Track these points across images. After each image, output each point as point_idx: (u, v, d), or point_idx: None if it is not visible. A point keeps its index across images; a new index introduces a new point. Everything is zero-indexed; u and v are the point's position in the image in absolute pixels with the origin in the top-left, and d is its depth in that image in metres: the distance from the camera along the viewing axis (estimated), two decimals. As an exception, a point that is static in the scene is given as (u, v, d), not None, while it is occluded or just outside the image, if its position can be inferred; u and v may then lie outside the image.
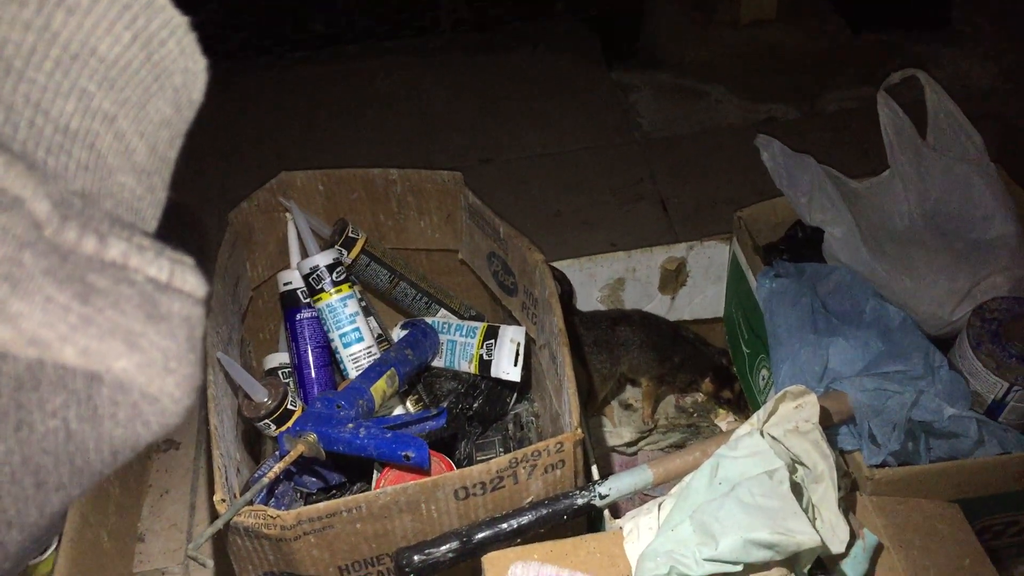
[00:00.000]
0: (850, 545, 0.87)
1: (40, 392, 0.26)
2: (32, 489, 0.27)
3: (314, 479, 1.09)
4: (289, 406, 1.11)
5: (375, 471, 1.07)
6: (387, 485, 0.98)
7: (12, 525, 0.27)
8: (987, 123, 1.29)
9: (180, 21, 0.28)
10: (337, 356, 1.22)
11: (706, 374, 1.36)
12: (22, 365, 0.25)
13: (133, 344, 0.26)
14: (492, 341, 1.23)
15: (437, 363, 1.28)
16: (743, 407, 1.34)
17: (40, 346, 0.25)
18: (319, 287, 1.20)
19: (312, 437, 1.00)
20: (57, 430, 0.26)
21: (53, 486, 0.27)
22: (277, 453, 1.05)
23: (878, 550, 0.92)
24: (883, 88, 1.24)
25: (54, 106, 0.26)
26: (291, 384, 1.23)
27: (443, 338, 1.28)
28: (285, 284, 1.25)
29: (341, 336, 1.21)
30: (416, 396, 1.26)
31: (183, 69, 0.29)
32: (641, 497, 1.12)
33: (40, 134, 0.26)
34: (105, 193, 0.28)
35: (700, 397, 1.40)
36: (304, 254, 1.24)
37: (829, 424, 0.99)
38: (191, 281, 0.28)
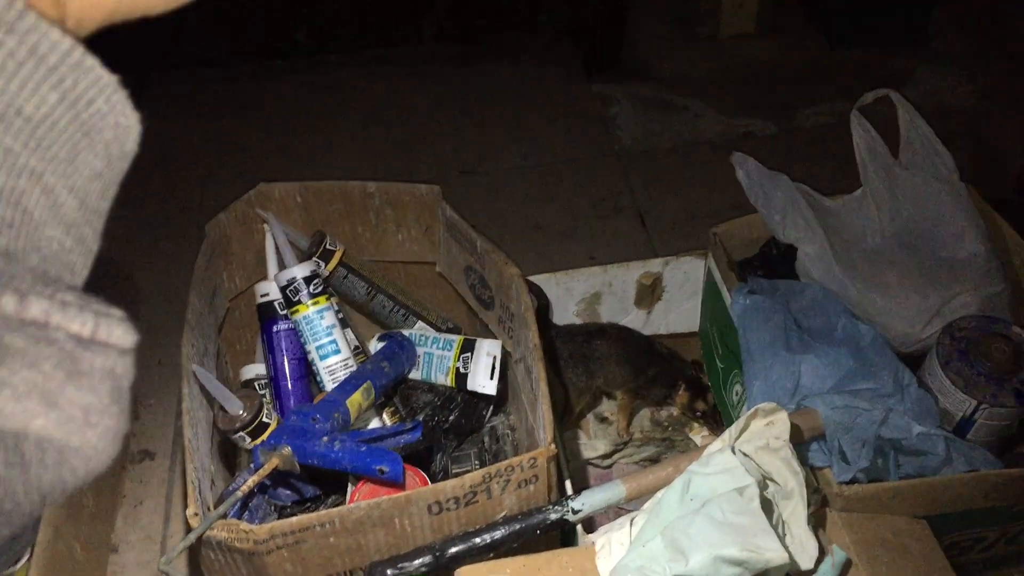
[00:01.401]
0: (819, 561, 0.88)
1: None
2: None
3: (288, 492, 1.09)
4: (264, 419, 1.11)
5: (349, 485, 1.07)
6: (361, 499, 0.98)
7: None
8: (961, 141, 1.31)
9: (109, 80, 0.28)
10: (314, 368, 1.22)
11: (679, 386, 1.37)
12: None
13: (51, 403, 0.26)
14: (469, 354, 1.23)
15: (414, 375, 1.28)
16: (718, 420, 1.35)
17: None
18: (296, 299, 1.21)
19: (287, 450, 1.00)
20: None
21: None
22: (251, 466, 1.05)
23: (847, 566, 0.93)
24: (856, 108, 1.26)
25: None
26: (267, 396, 1.23)
27: (420, 351, 1.28)
28: (262, 295, 1.26)
29: (318, 348, 1.21)
30: (393, 408, 1.26)
31: (113, 124, 0.29)
32: (615, 511, 1.13)
33: None
34: (31, 248, 0.28)
35: (675, 411, 1.41)
36: (282, 266, 1.24)
37: (800, 441, 1.00)
38: (116, 333, 0.28)
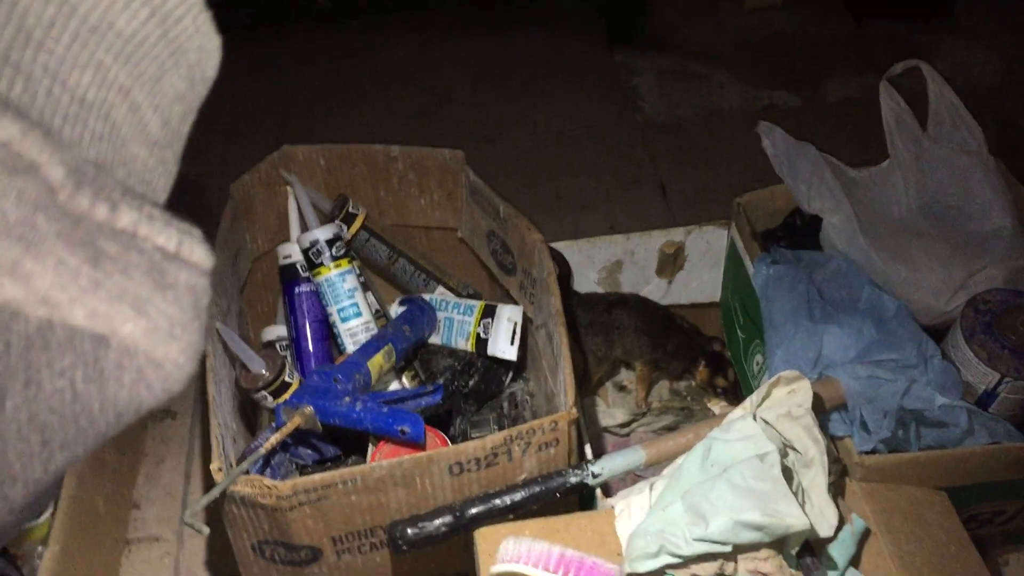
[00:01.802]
0: (838, 529, 0.88)
1: (49, 352, 0.26)
2: (38, 447, 0.27)
3: (309, 451, 1.10)
4: (286, 378, 1.12)
5: (370, 445, 1.08)
6: (382, 459, 0.99)
7: (17, 481, 0.28)
8: (988, 116, 1.29)
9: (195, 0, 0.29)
10: (335, 330, 1.23)
11: (699, 362, 1.36)
12: (32, 325, 0.26)
13: (140, 309, 0.27)
14: (489, 320, 1.24)
15: (434, 340, 1.29)
16: (738, 396, 1.35)
17: (51, 306, 0.26)
18: (318, 261, 1.21)
19: (309, 410, 1.01)
20: (64, 390, 0.27)
21: (58, 445, 0.28)
22: (273, 424, 1.05)
23: (865, 535, 0.94)
24: (886, 78, 1.24)
25: (71, 77, 0.27)
26: (288, 357, 1.24)
27: (440, 315, 1.28)
28: (284, 257, 1.26)
29: (339, 311, 1.21)
30: (412, 372, 1.27)
31: (198, 46, 0.30)
32: (633, 478, 1.13)
33: (57, 103, 0.27)
34: (118, 163, 0.29)
35: (695, 383, 1.41)
36: (304, 228, 1.25)
37: (821, 410, 1.00)
38: (198, 252, 0.29)
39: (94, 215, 0.26)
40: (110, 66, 0.28)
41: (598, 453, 1.02)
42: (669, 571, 0.83)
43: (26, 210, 0.25)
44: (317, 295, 1.24)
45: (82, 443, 0.28)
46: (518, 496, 0.94)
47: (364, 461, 1.08)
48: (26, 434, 0.27)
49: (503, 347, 1.22)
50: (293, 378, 1.14)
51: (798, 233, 1.26)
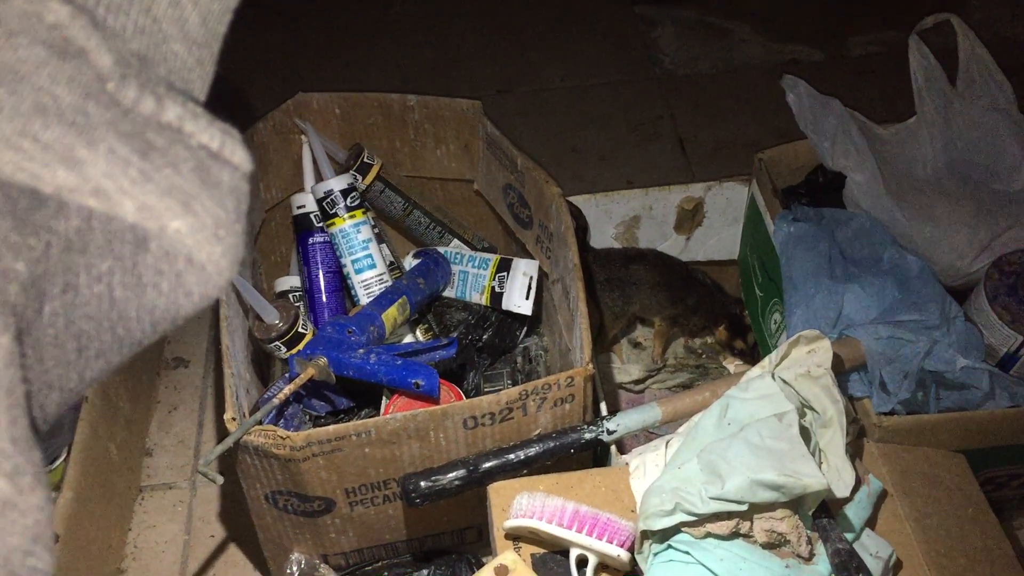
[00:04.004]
0: (855, 490, 0.87)
1: (88, 256, 0.26)
2: (74, 354, 0.27)
3: (322, 403, 1.09)
4: (300, 329, 1.11)
5: (384, 398, 1.07)
6: (396, 412, 0.98)
7: (52, 388, 0.28)
8: (1019, 73, 1.26)
9: None
10: (349, 282, 1.22)
11: (720, 322, 1.35)
12: (73, 225, 0.25)
13: (187, 206, 0.27)
14: (504, 274, 1.22)
15: (448, 293, 1.28)
16: (756, 357, 1.33)
17: (102, 197, 0.25)
18: (333, 212, 1.20)
19: (323, 361, 1.00)
20: (101, 296, 0.27)
21: (94, 353, 0.28)
22: (287, 375, 1.05)
23: (882, 496, 0.93)
24: (915, 32, 1.21)
25: None
26: (301, 308, 1.23)
27: (455, 269, 1.27)
28: (299, 207, 1.25)
29: (353, 262, 1.20)
30: (426, 325, 1.26)
31: None
32: (647, 436, 1.13)
33: None
34: (159, 59, 0.28)
35: (710, 339, 1.40)
36: (319, 178, 1.23)
37: (841, 370, 0.98)
38: (239, 154, 0.28)
39: (141, 108, 0.26)
40: None
41: (612, 409, 1.01)
42: (684, 529, 0.83)
43: (77, 96, 0.25)
44: (331, 246, 1.23)
45: (118, 352, 0.28)
46: (532, 451, 0.94)
47: (377, 414, 1.07)
48: (63, 341, 0.27)
49: (518, 301, 1.21)
50: (307, 329, 1.13)
51: (820, 190, 1.24)
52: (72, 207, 0.25)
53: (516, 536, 0.89)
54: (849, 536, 0.86)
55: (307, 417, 1.09)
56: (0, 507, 0.25)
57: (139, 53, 0.27)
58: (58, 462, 1.17)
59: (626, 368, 1.36)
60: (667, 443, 0.93)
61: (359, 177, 1.25)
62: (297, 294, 1.27)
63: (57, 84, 0.24)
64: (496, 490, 0.92)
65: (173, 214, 0.26)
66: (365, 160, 1.26)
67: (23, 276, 0.25)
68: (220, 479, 0.90)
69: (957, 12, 1.23)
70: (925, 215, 1.14)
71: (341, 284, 1.25)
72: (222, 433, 0.91)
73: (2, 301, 0.24)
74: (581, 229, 1.34)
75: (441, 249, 1.30)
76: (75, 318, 0.27)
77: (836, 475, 0.87)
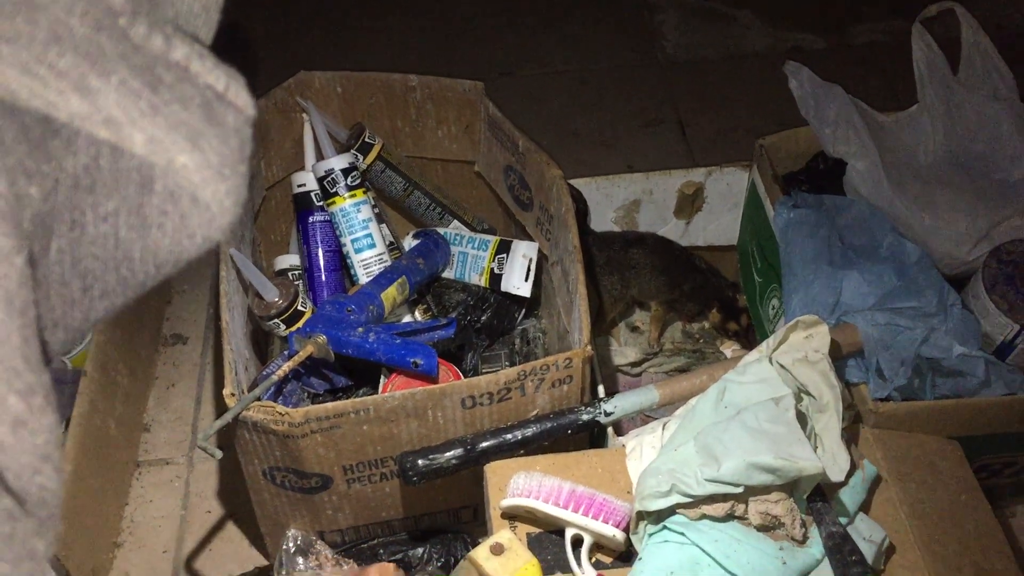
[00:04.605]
0: (850, 475, 0.88)
1: (95, 195, 0.27)
2: (79, 293, 0.28)
3: (321, 381, 1.10)
4: (300, 307, 1.11)
5: (382, 376, 1.08)
6: (394, 390, 0.99)
7: (58, 326, 0.28)
8: (1019, 65, 1.26)
9: None
10: (348, 261, 1.22)
11: (713, 305, 1.35)
12: (81, 163, 0.26)
13: (195, 142, 0.27)
14: (504, 255, 1.22)
15: (447, 274, 1.28)
16: (750, 340, 1.34)
17: (113, 127, 0.26)
18: (333, 191, 1.20)
19: (322, 339, 1.00)
20: (107, 236, 0.27)
21: (98, 293, 0.28)
22: (286, 352, 1.05)
23: (876, 481, 0.93)
24: (919, 20, 1.21)
25: None
26: (301, 286, 1.23)
27: (455, 250, 1.27)
28: (299, 186, 1.25)
29: (353, 241, 1.20)
30: (425, 306, 1.26)
31: None
32: (643, 418, 1.13)
33: None
34: (167, 1, 0.29)
35: (707, 324, 1.40)
36: (319, 156, 1.23)
37: (838, 356, 0.99)
38: (243, 97, 0.29)
39: (151, 45, 0.27)
40: None
41: (610, 392, 1.01)
42: (679, 510, 0.83)
43: (91, 29, 0.25)
44: (331, 225, 1.23)
45: (122, 293, 0.29)
46: (529, 432, 0.94)
47: (376, 393, 1.08)
48: (69, 279, 0.28)
49: (517, 283, 1.21)
50: (306, 307, 1.13)
51: (821, 177, 1.24)
52: (82, 140, 0.26)
53: (512, 515, 0.90)
54: (843, 520, 0.86)
55: (305, 395, 1.10)
56: (12, 424, 0.26)
57: None
58: (56, 436, 1.17)
59: (623, 351, 1.37)
60: (664, 425, 0.94)
61: (360, 157, 1.25)
62: (296, 272, 1.27)
63: (72, 15, 0.25)
64: (493, 469, 0.93)
65: (180, 149, 0.27)
66: (366, 140, 1.26)
67: (36, 203, 0.26)
68: (219, 453, 0.90)
69: (961, 1, 1.23)
70: (925, 203, 1.14)
71: (341, 263, 1.25)
72: (220, 410, 0.92)
73: (16, 225, 0.25)
74: (581, 212, 1.34)
75: (441, 230, 1.30)
76: (81, 257, 0.27)
77: (831, 459, 0.87)
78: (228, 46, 0.33)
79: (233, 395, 0.91)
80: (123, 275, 0.28)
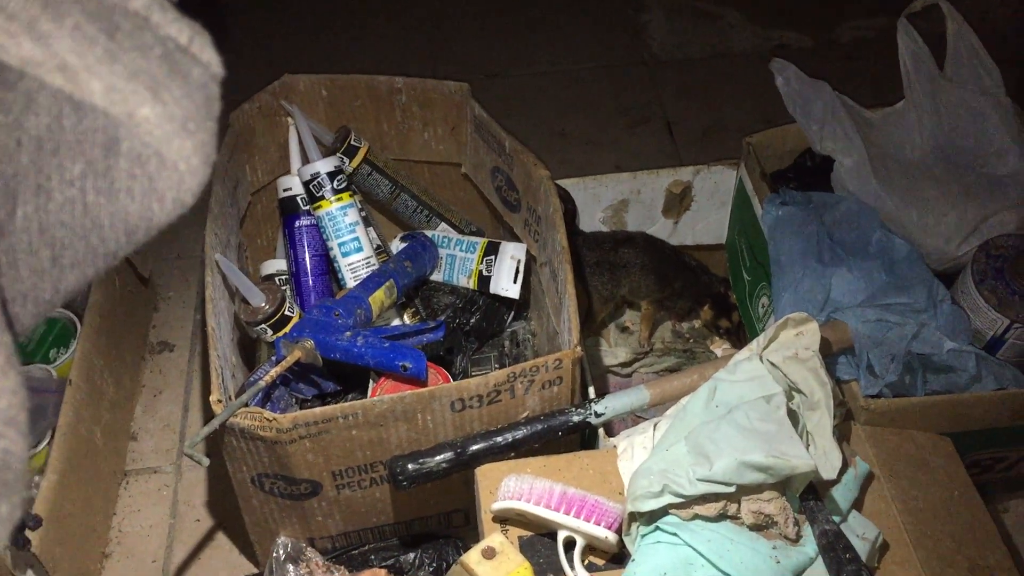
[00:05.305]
0: (842, 472, 0.88)
1: (59, 157, 0.26)
2: (48, 263, 0.27)
3: (309, 386, 1.09)
4: (287, 312, 1.10)
5: (371, 381, 1.07)
6: (383, 394, 0.98)
7: (27, 298, 0.27)
8: (1004, 60, 1.26)
9: None
10: (335, 265, 1.21)
11: (705, 302, 1.35)
12: (44, 122, 0.25)
13: (156, 93, 0.26)
14: (492, 257, 1.22)
15: (436, 277, 1.27)
16: (741, 338, 1.33)
17: (68, 74, 0.25)
18: (319, 194, 1.19)
19: (309, 343, 1.00)
20: (74, 200, 0.27)
21: (68, 262, 0.27)
22: (273, 358, 1.04)
23: (869, 479, 0.93)
24: (904, 15, 1.21)
25: None
26: (288, 291, 1.22)
27: (443, 252, 1.27)
28: (285, 190, 1.24)
29: (340, 245, 1.20)
30: (413, 309, 1.25)
31: None
32: (634, 418, 1.12)
33: None
34: None
35: (697, 323, 1.40)
36: (305, 160, 1.22)
37: (829, 353, 0.98)
38: (208, 52, 0.28)
39: None
40: None
41: (600, 393, 1.01)
42: (672, 511, 0.82)
43: None
44: (318, 229, 1.22)
45: (92, 263, 0.28)
46: (520, 434, 0.93)
47: (364, 398, 1.07)
48: (36, 247, 0.27)
49: (505, 285, 1.21)
50: (293, 312, 1.12)
51: (808, 174, 1.24)
52: (43, 98, 0.25)
53: (504, 519, 0.89)
54: (836, 518, 0.86)
55: (294, 400, 1.09)
56: None
57: None
58: (42, 445, 1.16)
59: (613, 351, 1.36)
60: (655, 425, 0.93)
61: (346, 160, 1.24)
62: (283, 277, 1.26)
63: None
64: (484, 473, 0.92)
65: (141, 99, 0.26)
66: (352, 143, 1.25)
67: None
68: (206, 461, 0.89)
69: (946, -1, 1.23)
70: (913, 199, 1.14)
71: (328, 267, 1.24)
72: (207, 417, 0.91)
73: None
74: (570, 213, 1.34)
75: (429, 232, 1.30)
76: (49, 225, 0.27)
77: (823, 457, 0.87)
78: (201, 13, 0.32)
79: (220, 402, 0.90)
80: (93, 243, 0.27)
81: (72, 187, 0.26)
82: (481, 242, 1.25)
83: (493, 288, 1.21)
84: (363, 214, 1.24)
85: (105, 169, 0.26)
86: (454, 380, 1.09)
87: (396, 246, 1.29)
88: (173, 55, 0.27)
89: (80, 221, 0.27)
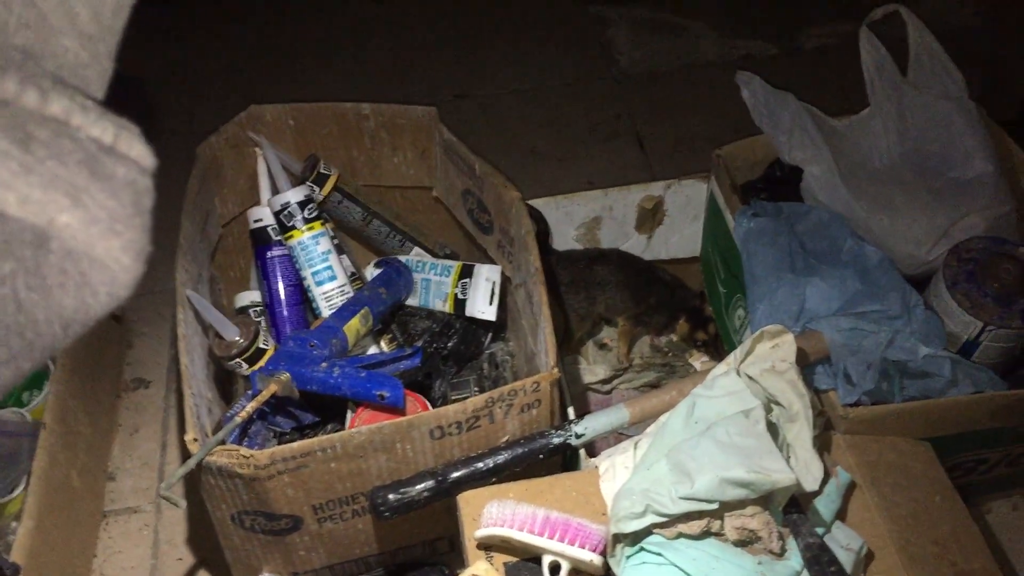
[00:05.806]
0: (824, 483, 0.88)
1: None
2: None
3: (286, 418, 1.08)
4: (261, 344, 1.09)
5: (349, 411, 1.06)
6: (361, 425, 0.97)
7: None
8: (968, 62, 1.27)
9: None
10: (309, 295, 1.20)
11: (681, 316, 1.35)
12: None
13: (76, 199, 0.26)
14: (467, 280, 1.21)
15: (411, 302, 1.27)
16: (719, 349, 1.34)
17: None
18: (290, 224, 1.18)
19: (285, 376, 0.99)
20: (6, 299, 0.26)
21: (4, 358, 0.27)
22: (249, 392, 1.03)
23: (851, 488, 0.93)
24: (865, 24, 1.22)
25: None
26: (263, 323, 1.21)
27: (417, 277, 1.26)
28: (256, 221, 1.23)
29: (314, 274, 1.19)
30: (390, 335, 1.25)
31: None
32: (616, 437, 1.12)
33: None
34: (48, 54, 0.28)
35: (675, 337, 1.40)
36: (275, 190, 1.21)
37: (805, 363, 0.98)
38: (137, 148, 0.28)
39: (23, 100, 0.25)
40: None
41: (581, 411, 1.00)
42: (655, 530, 0.82)
43: None
44: (290, 259, 1.21)
45: (28, 357, 0.27)
46: (501, 459, 0.93)
47: (343, 428, 1.06)
48: None
49: (482, 307, 1.20)
50: (268, 344, 1.11)
51: (779, 184, 1.25)
52: None
53: (488, 545, 0.88)
54: (820, 530, 0.86)
55: (272, 434, 1.08)
56: None
57: (24, 48, 0.27)
58: (17, 491, 1.15)
59: (592, 369, 1.36)
60: (636, 444, 0.93)
61: (316, 188, 1.23)
62: (258, 309, 1.25)
63: None
64: (466, 499, 0.91)
65: (59, 207, 0.26)
66: (321, 171, 1.24)
67: None
68: (183, 503, 0.88)
69: (906, 2, 1.24)
70: (882, 205, 1.15)
71: (302, 297, 1.23)
72: (186, 454, 0.89)
73: None
74: (543, 232, 1.33)
75: (403, 257, 1.29)
76: None
77: (804, 469, 0.87)
78: (126, 95, 0.32)
79: (195, 440, 0.89)
80: (28, 339, 0.27)
81: (3, 286, 0.26)
82: (455, 265, 1.24)
83: (469, 311, 1.21)
84: (336, 242, 1.23)
85: (36, 266, 0.26)
86: (433, 405, 1.08)
87: (371, 272, 1.28)
88: (95, 157, 0.26)
89: (14, 318, 0.26)
